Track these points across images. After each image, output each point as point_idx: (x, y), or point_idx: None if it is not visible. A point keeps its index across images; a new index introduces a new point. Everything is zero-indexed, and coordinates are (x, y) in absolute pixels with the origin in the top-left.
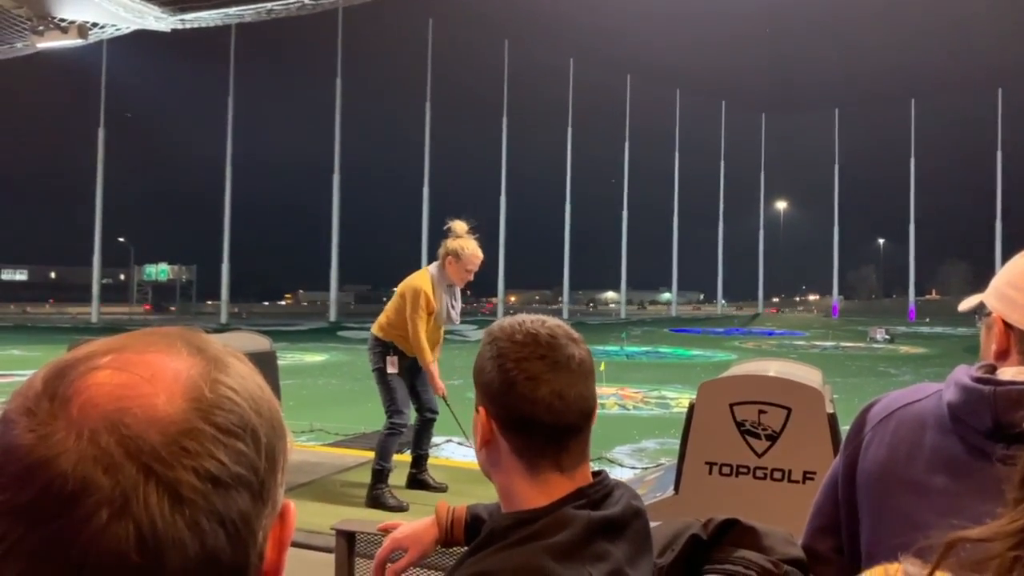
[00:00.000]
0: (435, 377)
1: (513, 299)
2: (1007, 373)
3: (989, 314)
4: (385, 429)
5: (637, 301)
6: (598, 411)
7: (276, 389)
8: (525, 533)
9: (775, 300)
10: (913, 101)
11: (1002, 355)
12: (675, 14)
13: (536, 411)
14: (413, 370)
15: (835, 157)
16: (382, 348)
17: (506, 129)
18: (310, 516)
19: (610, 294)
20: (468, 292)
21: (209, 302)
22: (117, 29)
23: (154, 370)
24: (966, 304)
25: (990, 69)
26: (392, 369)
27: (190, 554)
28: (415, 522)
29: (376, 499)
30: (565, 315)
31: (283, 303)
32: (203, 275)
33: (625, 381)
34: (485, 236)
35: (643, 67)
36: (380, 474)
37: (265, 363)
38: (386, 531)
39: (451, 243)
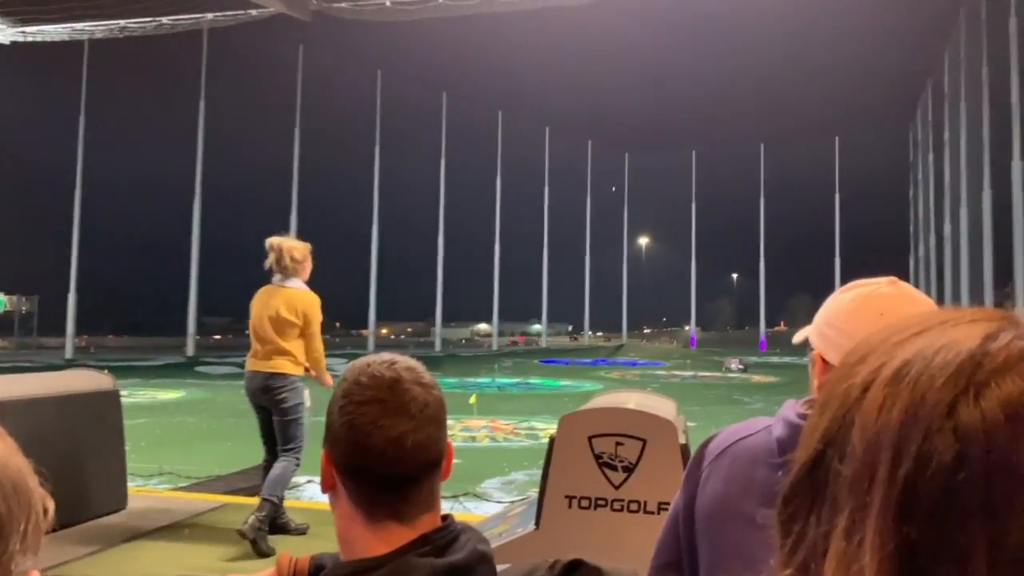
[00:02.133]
0: (328, 380)
1: (385, 331)
2: None
3: (813, 349)
4: (291, 464)
5: (508, 332)
6: (472, 444)
7: (119, 430)
8: None
9: (647, 331)
10: (762, 145)
11: None
12: (545, 53)
13: (370, 459)
14: None
15: (692, 196)
16: (301, 384)
17: (378, 160)
18: (153, 568)
19: (482, 326)
20: (338, 325)
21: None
22: None
23: None
24: (798, 337)
25: (829, 118)
26: (308, 402)
27: None
28: (255, 575)
29: (259, 536)
30: (438, 347)
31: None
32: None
33: (496, 413)
34: (357, 267)
35: (514, 103)
36: (273, 507)
37: (105, 403)
38: None
39: (297, 252)
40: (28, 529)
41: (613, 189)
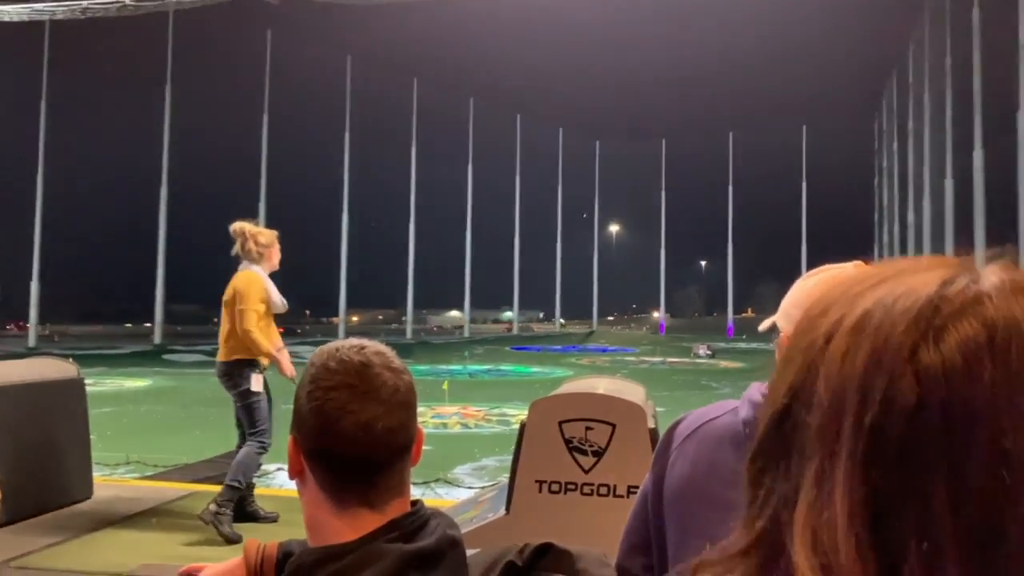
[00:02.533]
0: (282, 360)
1: (356, 319)
2: None
3: (780, 333)
4: (251, 448)
5: (481, 319)
6: (443, 431)
7: (84, 418)
8: (331, 570)
9: (611, 318)
10: (731, 134)
11: None
12: (517, 40)
13: (339, 444)
14: (268, 392)
15: (662, 184)
16: (247, 368)
17: (348, 146)
18: (119, 557)
19: (454, 313)
20: (308, 312)
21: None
22: None
23: None
24: (764, 325)
25: (796, 108)
26: (257, 387)
27: None
28: (221, 564)
29: (217, 519)
30: (408, 334)
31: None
32: (8, 294)
33: (467, 399)
34: (327, 254)
35: (485, 91)
36: (233, 491)
37: (69, 391)
38: (189, 575)
39: (263, 237)
40: None
41: (584, 216)
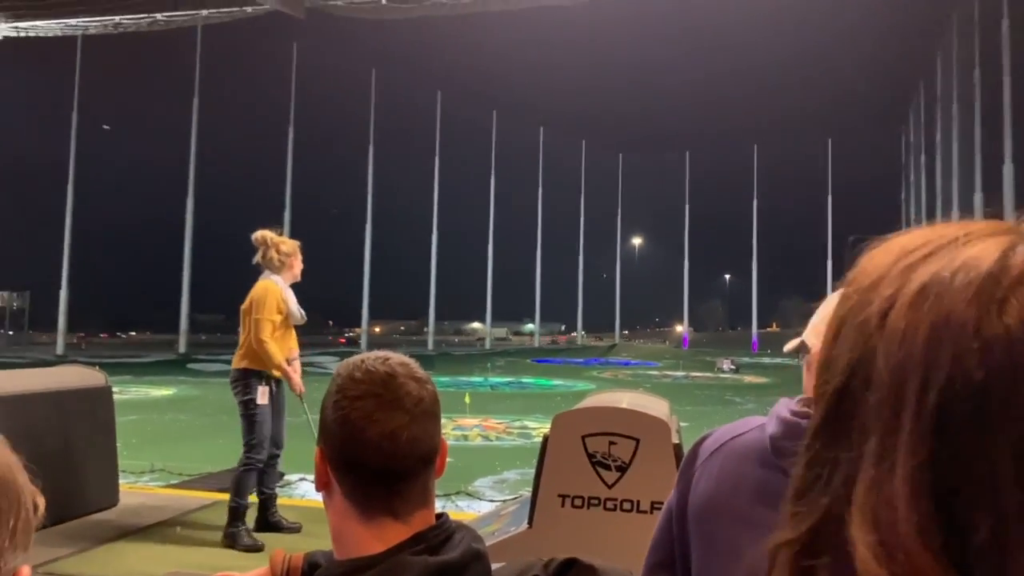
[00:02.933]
0: (292, 376)
1: (378, 329)
2: None
3: (808, 351)
4: (241, 464)
5: (502, 332)
6: (464, 443)
7: (111, 427)
8: None
9: (638, 330)
10: (755, 147)
11: None
12: (541, 54)
13: (364, 453)
14: (279, 405)
15: (686, 196)
16: (252, 379)
17: (372, 157)
18: (144, 565)
19: (475, 325)
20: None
21: (45, 333)
22: None
23: None
24: (790, 346)
25: (822, 121)
26: (263, 400)
27: None
28: (249, 572)
29: (231, 537)
30: (430, 345)
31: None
32: (39, 303)
33: (489, 412)
34: (350, 265)
35: (508, 103)
36: (235, 512)
37: (97, 399)
38: None
39: (285, 246)
40: (17, 526)
41: (604, 276)
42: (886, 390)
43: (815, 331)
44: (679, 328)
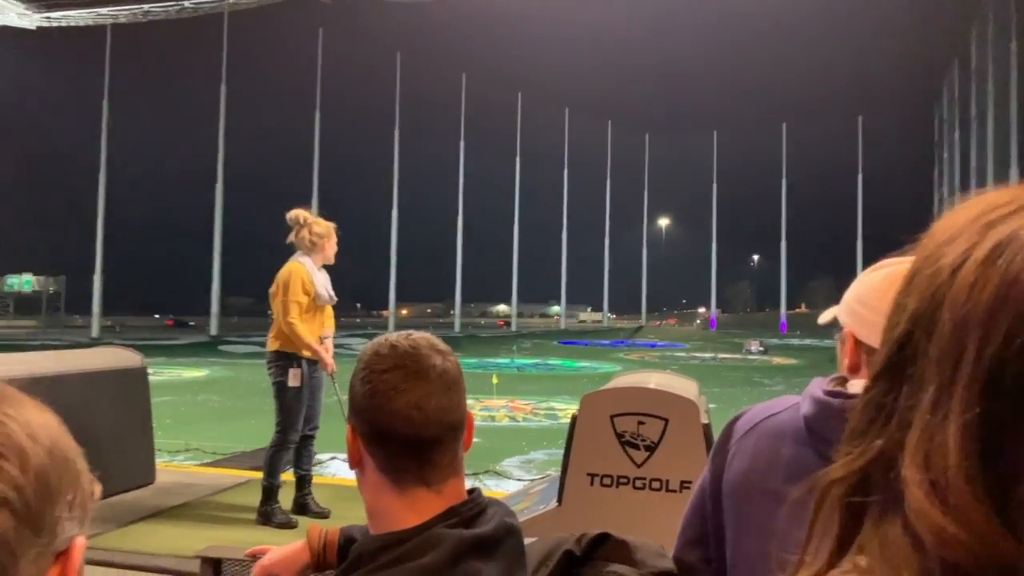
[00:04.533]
0: (323, 355)
1: (405, 312)
2: (856, 386)
3: (842, 328)
4: (273, 444)
5: (528, 313)
6: (491, 423)
7: (147, 406)
8: (394, 555)
9: (665, 311)
10: (784, 126)
11: (854, 369)
12: (565, 33)
13: (394, 423)
14: (313, 385)
15: (713, 177)
16: (284, 361)
17: (398, 142)
18: (180, 541)
19: (501, 307)
20: (358, 305)
21: (80, 317)
22: None
23: None
24: (824, 317)
25: (852, 99)
26: (294, 382)
27: None
28: (285, 547)
29: (265, 515)
30: (457, 328)
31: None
32: (74, 287)
33: (515, 393)
34: (377, 248)
35: (533, 85)
36: (268, 491)
37: (133, 380)
38: (255, 557)
39: (318, 227)
40: (75, 501)
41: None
42: (947, 342)
43: (848, 308)
44: (701, 309)
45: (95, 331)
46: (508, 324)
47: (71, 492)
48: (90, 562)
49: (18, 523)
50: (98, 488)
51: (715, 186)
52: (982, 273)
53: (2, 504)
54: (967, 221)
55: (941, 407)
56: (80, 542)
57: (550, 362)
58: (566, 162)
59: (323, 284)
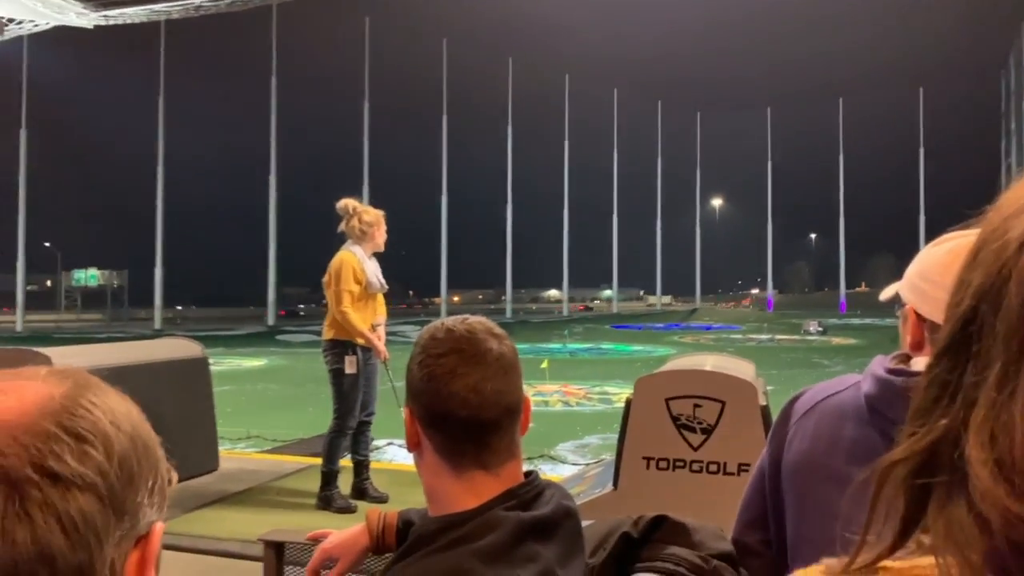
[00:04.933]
0: (375, 342)
1: (456, 299)
2: (919, 364)
3: (904, 305)
4: (331, 431)
5: (579, 298)
6: (545, 408)
7: (209, 395)
8: (453, 537)
9: (720, 294)
10: (841, 100)
11: (916, 346)
12: (611, 14)
13: (452, 405)
14: (368, 371)
15: (768, 155)
16: (339, 348)
17: (446, 128)
18: (244, 526)
19: (552, 292)
20: (411, 293)
21: (143, 309)
22: (36, 25)
23: (15, 386)
24: (886, 293)
25: (912, 70)
26: (350, 370)
27: (18, 543)
28: (346, 530)
29: (325, 500)
30: (508, 313)
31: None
32: (136, 280)
33: (568, 378)
34: (427, 236)
35: (581, 66)
36: (327, 476)
37: (195, 369)
38: (316, 540)
39: (368, 215)
40: (155, 487)
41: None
42: (1015, 318)
43: (911, 284)
44: (754, 291)
45: (158, 323)
46: (589, 308)
47: (151, 478)
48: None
49: (103, 507)
50: (175, 475)
51: (770, 164)
52: None
53: (88, 488)
54: None
55: (1007, 384)
56: (159, 527)
57: (603, 346)
58: (615, 143)
59: (374, 272)
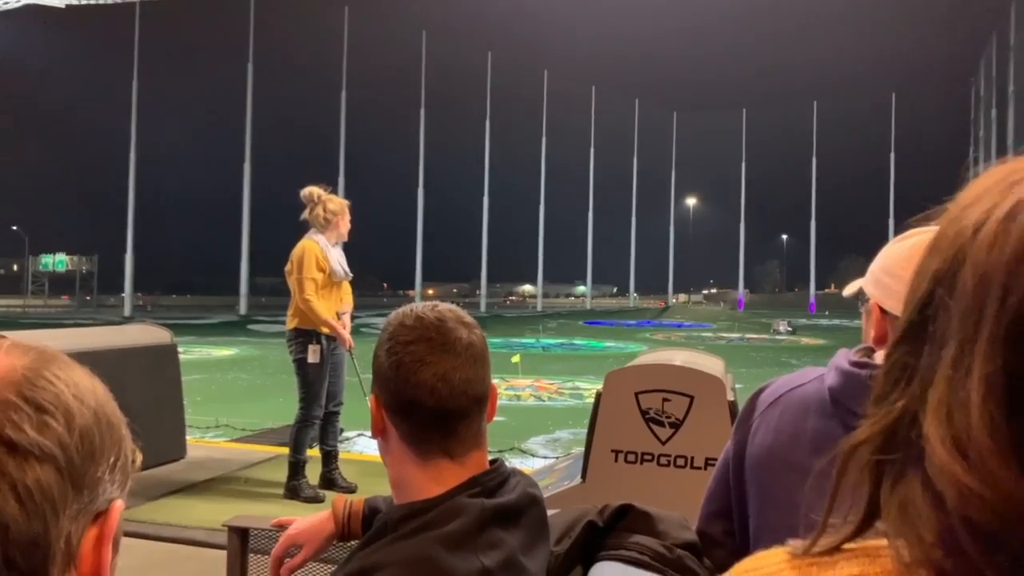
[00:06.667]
0: (340, 331)
1: (431, 292)
2: (882, 357)
3: (868, 300)
4: (297, 421)
5: (553, 294)
6: (516, 403)
7: (177, 383)
8: (417, 524)
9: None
10: (815, 104)
11: (880, 340)
12: (592, 13)
13: (419, 394)
14: (335, 361)
15: (742, 156)
16: (303, 338)
17: (423, 121)
18: (210, 514)
19: (527, 287)
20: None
21: (112, 296)
22: (6, 3)
23: None
24: (850, 289)
25: (885, 76)
26: (314, 359)
27: None
28: (311, 516)
29: (293, 490)
30: (482, 308)
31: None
32: (106, 266)
33: (541, 373)
34: (403, 228)
35: (560, 63)
36: (295, 466)
37: (164, 356)
38: (281, 527)
39: (332, 204)
40: (117, 464)
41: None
42: (969, 298)
43: (874, 279)
44: (723, 290)
45: (127, 310)
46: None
47: (114, 455)
48: (123, 533)
49: (61, 479)
50: (139, 456)
51: (744, 165)
52: (1004, 228)
53: (47, 459)
54: (991, 184)
55: (963, 362)
56: (119, 504)
57: (576, 342)
58: (593, 141)
59: (337, 260)
